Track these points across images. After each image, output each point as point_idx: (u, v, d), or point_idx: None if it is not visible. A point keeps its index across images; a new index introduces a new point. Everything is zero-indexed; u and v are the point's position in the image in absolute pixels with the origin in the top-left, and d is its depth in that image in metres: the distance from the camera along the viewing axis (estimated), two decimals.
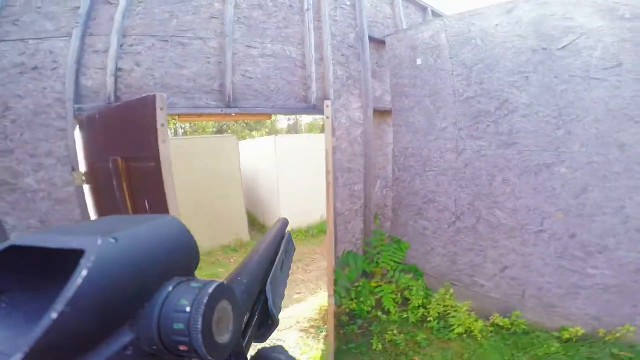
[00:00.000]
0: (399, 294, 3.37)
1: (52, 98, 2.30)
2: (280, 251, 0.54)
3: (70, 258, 0.21)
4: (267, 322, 0.47)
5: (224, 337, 0.27)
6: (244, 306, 0.38)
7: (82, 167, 2.45)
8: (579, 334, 2.65)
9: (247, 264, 0.44)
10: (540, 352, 2.74)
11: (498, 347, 2.91)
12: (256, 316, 0.44)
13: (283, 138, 6.83)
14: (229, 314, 0.28)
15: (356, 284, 3.31)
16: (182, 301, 0.25)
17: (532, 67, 2.47)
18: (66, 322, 0.19)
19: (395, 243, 3.51)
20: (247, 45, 2.77)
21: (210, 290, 0.26)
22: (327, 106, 2.00)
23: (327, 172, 2.07)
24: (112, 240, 0.23)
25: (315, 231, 6.86)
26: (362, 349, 3.14)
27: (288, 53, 2.93)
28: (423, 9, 3.94)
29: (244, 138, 12.75)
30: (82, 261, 0.20)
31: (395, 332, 3.13)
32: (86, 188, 2.47)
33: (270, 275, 0.48)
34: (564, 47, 2.34)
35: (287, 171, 6.47)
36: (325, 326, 3.55)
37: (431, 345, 3.08)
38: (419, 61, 3.02)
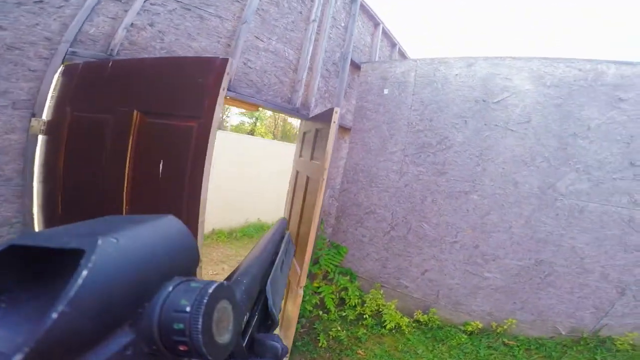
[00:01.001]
0: (337, 295, 3.65)
1: (41, 37, 1.91)
2: (280, 251, 0.56)
3: (70, 258, 0.21)
4: (267, 322, 0.47)
5: (224, 337, 0.27)
6: (244, 306, 0.38)
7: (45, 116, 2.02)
8: (479, 327, 3.34)
9: (247, 264, 0.45)
10: (453, 342, 3.35)
11: (421, 340, 3.43)
12: (256, 316, 0.44)
13: (220, 134, 6.38)
14: (229, 314, 0.29)
15: None
16: (182, 301, 0.25)
17: (471, 114, 3.17)
18: (66, 322, 0.19)
19: (335, 248, 3.83)
20: (255, 36, 2.85)
21: (210, 290, 0.26)
22: (335, 112, 2.16)
23: (324, 169, 2.15)
24: (112, 241, 0.23)
25: (239, 234, 6.65)
26: (308, 346, 3.32)
27: (286, 55, 3.09)
28: (393, 45, 4.66)
29: None
30: (83, 261, 0.21)
31: (339, 328, 3.38)
32: (40, 141, 2.02)
33: (270, 275, 0.49)
34: (497, 101, 3.06)
35: (217, 170, 6.18)
36: None
37: (369, 340, 3.43)
38: (386, 91, 3.53)
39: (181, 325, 0.24)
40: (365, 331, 3.52)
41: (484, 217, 3.18)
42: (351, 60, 3.74)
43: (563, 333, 3.22)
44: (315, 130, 2.61)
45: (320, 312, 3.56)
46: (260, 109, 3.02)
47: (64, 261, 0.22)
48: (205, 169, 1.56)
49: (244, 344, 0.39)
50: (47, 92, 1.96)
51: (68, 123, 1.92)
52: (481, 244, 3.22)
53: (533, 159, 2.97)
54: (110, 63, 1.90)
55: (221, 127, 16.15)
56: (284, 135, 13.21)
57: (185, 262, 0.30)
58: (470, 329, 3.41)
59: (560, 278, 3.01)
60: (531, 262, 3.08)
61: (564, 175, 2.86)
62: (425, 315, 3.54)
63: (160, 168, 1.65)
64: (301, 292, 2.49)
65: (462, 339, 3.38)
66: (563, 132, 2.85)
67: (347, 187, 3.83)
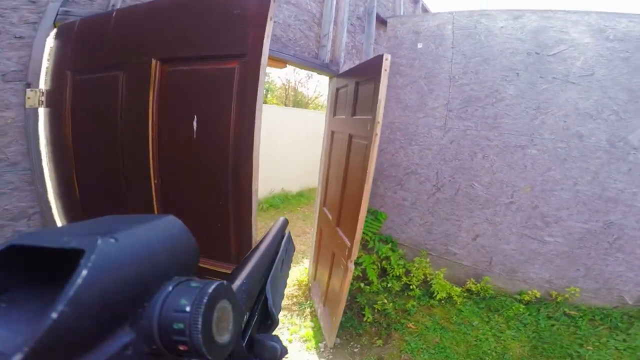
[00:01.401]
0: (378, 265, 3.42)
1: (23, 0, 1.62)
2: (281, 251, 0.54)
3: (70, 258, 0.21)
4: (267, 322, 0.47)
5: (224, 337, 0.27)
6: (244, 306, 0.38)
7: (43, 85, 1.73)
8: (537, 296, 3.10)
9: (247, 264, 0.44)
10: (510, 313, 3.12)
11: (474, 310, 3.21)
12: (256, 316, 0.44)
13: None
14: (229, 314, 0.28)
15: None
16: (182, 301, 0.25)
17: (523, 67, 2.88)
18: (66, 322, 0.19)
19: (372, 214, 3.56)
20: None
21: (210, 290, 0.26)
22: (386, 59, 1.85)
23: (375, 134, 1.87)
24: (112, 241, 0.22)
25: (265, 206, 6.56)
26: (352, 322, 3.14)
27: (309, 8, 2.80)
28: (416, 1, 4.39)
29: None
30: (83, 261, 0.20)
31: (385, 301, 3.19)
32: (42, 115, 1.73)
33: (270, 275, 0.49)
34: (554, 54, 2.79)
35: None
36: (308, 302, 3.50)
37: (418, 312, 3.22)
38: (420, 45, 3.22)
39: (181, 325, 0.24)
40: (414, 302, 3.31)
41: (544, 174, 2.87)
42: (377, 14, 3.48)
43: (630, 303, 2.92)
44: (355, 84, 2.33)
45: (362, 285, 3.36)
46: (286, 67, 2.76)
47: (64, 261, 0.21)
48: (256, 120, 1.25)
49: (244, 344, 0.38)
50: (41, 59, 1.66)
51: (71, 89, 1.63)
52: (541, 204, 2.91)
53: (600, 112, 2.69)
54: (114, 13, 1.56)
55: None
56: (296, 105, 12.84)
57: (185, 262, 0.30)
58: (527, 298, 3.16)
59: (631, 242, 2.74)
60: (599, 224, 2.80)
61: (637, 128, 2.57)
62: (478, 285, 3.28)
63: (195, 126, 1.33)
64: (352, 266, 2.25)
65: (520, 309, 3.14)
66: (633, 86, 2.59)
67: (383, 147, 3.52)
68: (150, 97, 1.39)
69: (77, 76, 1.62)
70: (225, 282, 0.29)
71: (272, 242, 0.54)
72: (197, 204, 1.40)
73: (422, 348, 2.93)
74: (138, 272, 0.24)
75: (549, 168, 2.85)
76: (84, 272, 0.20)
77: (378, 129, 1.88)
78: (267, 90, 12.91)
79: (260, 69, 1.22)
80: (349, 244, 2.21)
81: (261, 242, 0.52)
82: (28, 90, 1.62)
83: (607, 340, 2.81)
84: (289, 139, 6.87)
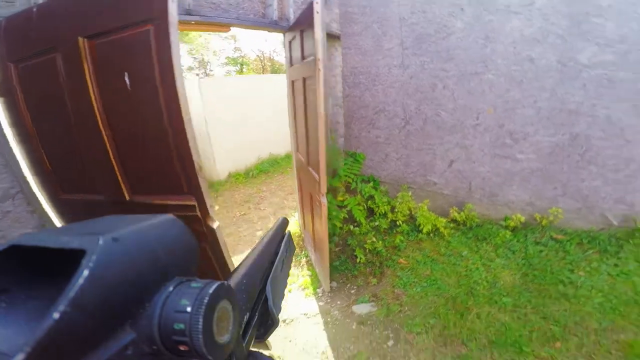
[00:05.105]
0: (364, 206, 3.47)
1: None
2: (281, 251, 0.55)
3: (70, 258, 0.21)
4: (267, 321, 0.47)
5: (224, 337, 0.27)
6: (244, 306, 0.38)
7: None
8: (521, 220, 3.02)
9: (247, 264, 0.44)
10: (497, 240, 3.13)
11: (463, 241, 3.23)
12: (256, 316, 0.44)
13: (208, 81, 6.31)
14: (229, 314, 0.29)
15: None
16: (183, 301, 0.25)
17: (467, 2, 2.90)
18: (68, 322, 0.19)
19: (351, 156, 3.63)
20: None
21: (210, 290, 0.26)
22: (316, 3, 1.93)
23: (318, 70, 1.99)
24: (113, 241, 0.23)
25: (255, 172, 6.72)
26: (347, 265, 3.18)
27: None
28: None
29: None
30: (84, 261, 0.20)
31: (374, 239, 3.23)
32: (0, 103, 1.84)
33: (271, 275, 0.49)
34: None
35: (217, 115, 6.11)
36: (303, 252, 3.54)
37: (407, 247, 3.26)
38: None
39: (182, 326, 0.24)
40: (402, 238, 3.34)
41: (503, 95, 2.93)
42: None
43: (615, 223, 2.84)
44: (300, 32, 2.44)
45: (351, 227, 3.42)
46: (230, 30, 2.76)
47: (65, 261, 0.21)
48: (175, 67, 1.40)
49: (244, 344, 0.38)
50: None
51: (17, 78, 1.74)
52: (506, 122, 2.96)
53: (545, 37, 2.75)
54: (35, 8, 1.67)
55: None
56: (274, 73, 12.72)
57: (185, 262, 0.30)
58: (512, 224, 3.07)
59: (601, 153, 2.78)
60: (565, 137, 2.86)
61: (584, 49, 2.67)
62: (462, 213, 3.32)
63: (127, 82, 1.50)
64: (324, 200, 2.35)
65: (507, 236, 3.08)
66: (573, 12, 2.63)
67: (349, 92, 3.58)
68: (86, 69, 1.52)
69: (20, 65, 1.72)
70: (226, 282, 0.29)
71: (272, 242, 0.53)
72: (145, 147, 1.56)
73: (413, 282, 2.91)
74: (139, 272, 0.24)
75: (507, 90, 2.90)
76: (86, 272, 0.20)
77: (320, 65, 2.00)
78: (242, 64, 13.01)
79: (170, 28, 1.35)
80: (317, 177, 2.31)
81: (261, 241, 0.52)
82: None
83: (598, 265, 2.75)
84: (270, 105, 6.92)
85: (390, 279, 2.96)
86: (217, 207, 5.51)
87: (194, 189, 1.53)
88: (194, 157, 1.46)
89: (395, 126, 3.40)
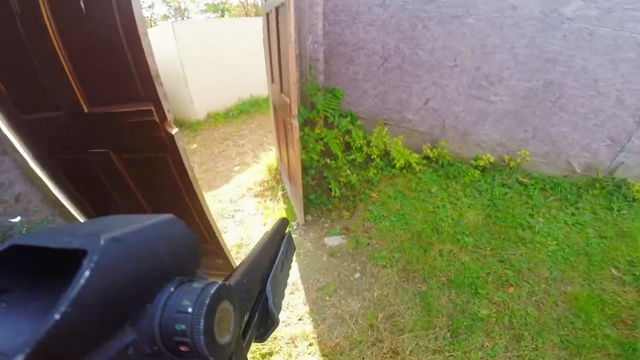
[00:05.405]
0: (341, 140, 3.52)
1: None
2: (281, 251, 0.55)
3: (71, 258, 0.21)
4: (267, 321, 0.47)
5: (225, 337, 0.27)
6: (244, 306, 0.38)
7: None
8: (491, 161, 3.03)
9: (247, 264, 0.44)
10: (466, 180, 3.21)
11: (433, 178, 3.31)
12: (256, 316, 0.44)
13: (183, 24, 6.08)
14: (230, 314, 0.29)
15: (300, 133, 3.23)
16: (184, 302, 0.25)
17: None
18: (69, 323, 0.18)
19: (330, 92, 3.64)
20: None
21: (212, 291, 0.26)
22: None
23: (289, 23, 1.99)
24: (114, 241, 0.22)
25: (236, 112, 6.78)
26: (322, 198, 3.23)
27: None
28: None
29: None
30: (85, 261, 0.20)
31: (348, 172, 3.27)
32: None
33: (271, 275, 0.49)
34: None
35: (193, 59, 6.01)
36: (280, 185, 3.56)
37: (380, 182, 3.33)
38: None
39: (183, 326, 0.24)
40: (375, 172, 3.39)
41: (483, 39, 2.90)
42: None
43: (578, 171, 2.87)
44: None
45: (328, 160, 3.45)
46: None
47: (65, 261, 0.21)
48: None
49: (244, 344, 0.38)
50: None
51: None
52: (483, 65, 2.93)
53: None
54: None
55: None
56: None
57: (187, 262, 0.29)
58: (482, 163, 3.06)
59: (573, 101, 2.81)
60: (540, 83, 2.87)
61: (570, 2, 2.64)
62: (435, 150, 3.39)
63: (82, 6, 1.38)
64: (295, 122, 2.37)
65: (475, 175, 3.07)
66: None
67: (330, 29, 3.50)
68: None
69: None
70: (227, 282, 0.29)
71: (272, 242, 0.53)
72: (102, 59, 1.50)
73: (383, 216, 2.98)
74: (140, 272, 0.24)
75: (487, 34, 2.87)
76: (87, 273, 0.19)
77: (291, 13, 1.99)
78: (223, 11, 12.75)
79: None
80: (288, 100, 2.33)
81: (260, 241, 0.51)
82: None
83: (557, 213, 2.83)
84: (252, 47, 6.79)
85: (362, 212, 3.04)
86: (195, 145, 5.49)
87: (151, 95, 1.51)
88: (150, 64, 1.44)
89: (374, 63, 3.38)
